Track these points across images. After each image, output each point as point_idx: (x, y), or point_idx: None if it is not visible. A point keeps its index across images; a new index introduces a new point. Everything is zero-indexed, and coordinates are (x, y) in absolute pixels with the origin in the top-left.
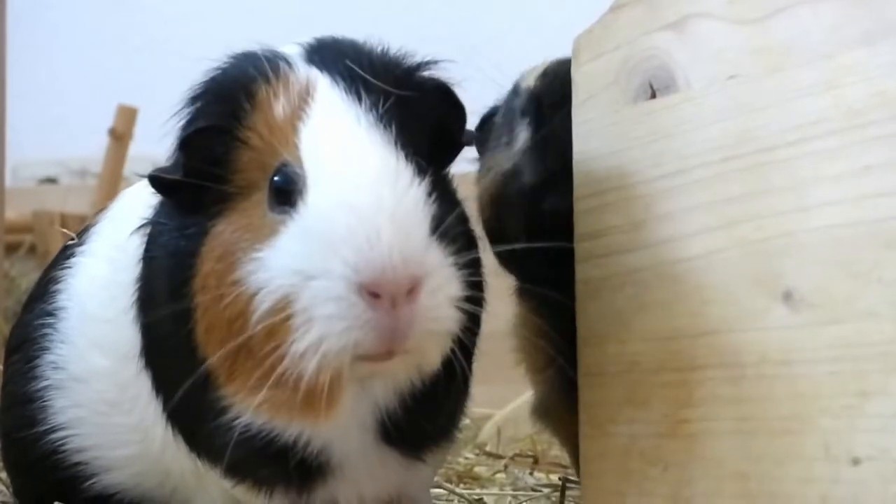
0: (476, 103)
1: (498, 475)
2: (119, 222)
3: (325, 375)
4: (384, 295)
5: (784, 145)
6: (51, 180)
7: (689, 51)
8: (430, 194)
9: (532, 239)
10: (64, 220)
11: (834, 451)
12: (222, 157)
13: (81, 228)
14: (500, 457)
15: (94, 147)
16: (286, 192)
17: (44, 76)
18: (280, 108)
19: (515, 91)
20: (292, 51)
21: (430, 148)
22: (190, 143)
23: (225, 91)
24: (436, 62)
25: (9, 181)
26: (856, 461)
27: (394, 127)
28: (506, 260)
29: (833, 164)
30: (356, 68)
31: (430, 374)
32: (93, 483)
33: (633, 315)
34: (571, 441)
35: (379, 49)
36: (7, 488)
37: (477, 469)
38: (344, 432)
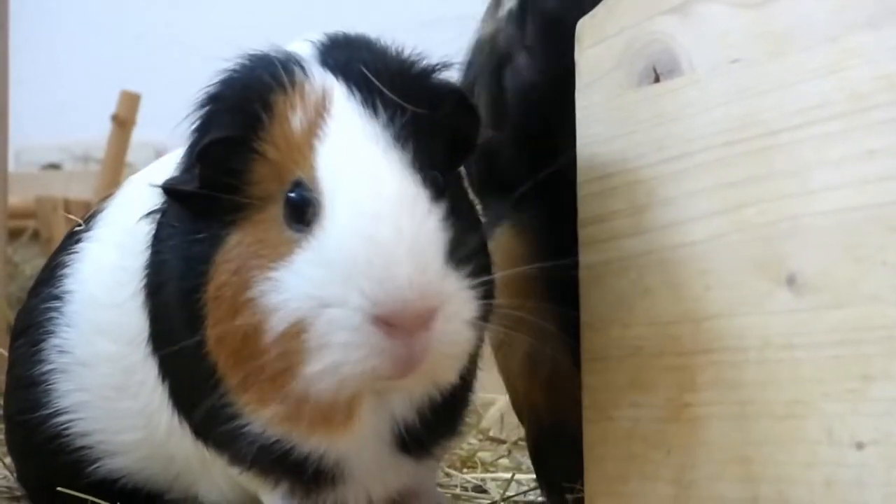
0: None
1: (501, 460)
2: (127, 208)
3: (342, 396)
4: (400, 326)
5: (788, 129)
6: (54, 166)
7: (693, 35)
8: (448, 215)
9: (496, 118)
10: (67, 206)
11: (837, 435)
12: (238, 168)
13: (87, 214)
14: (503, 441)
15: (97, 133)
16: (301, 211)
17: (46, 61)
18: (297, 120)
19: None
20: (305, 52)
21: (447, 155)
22: (206, 153)
23: (241, 99)
24: (449, 65)
25: (12, 166)
26: (859, 445)
27: (411, 144)
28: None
29: (837, 147)
30: (374, 79)
31: (447, 387)
32: (97, 467)
33: (636, 299)
34: (572, 424)
35: (393, 52)
36: (11, 473)
37: (480, 454)
38: (361, 445)
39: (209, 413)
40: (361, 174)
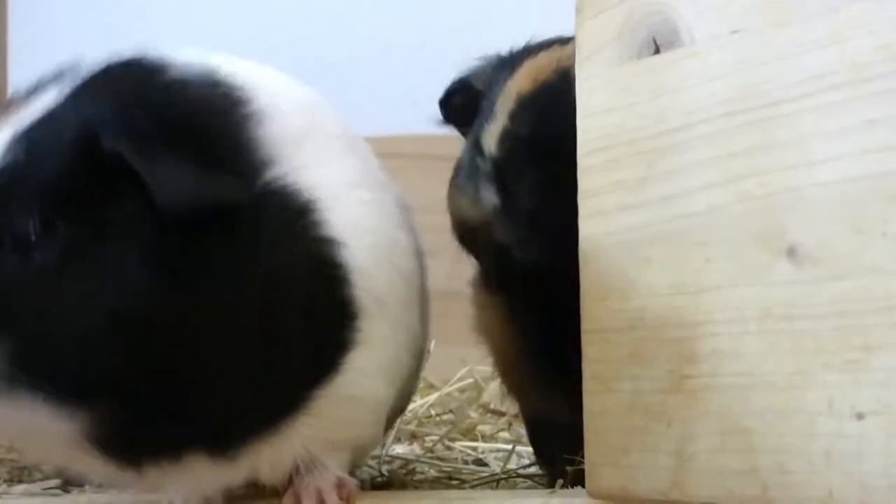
0: None
1: (501, 433)
2: None
3: None
4: None
5: (788, 100)
6: None
7: (693, 5)
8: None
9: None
10: None
11: (838, 405)
12: None
13: None
14: (503, 414)
15: None
16: None
17: (45, 42)
18: None
19: (477, 147)
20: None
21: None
22: None
23: None
24: (129, 135)
25: None
26: (860, 416)
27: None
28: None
29: (838, 118)
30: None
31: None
32: None
33: (636, 271)
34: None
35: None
36: None
37: (480, 428)
38: (52, 455)
39: None
40: None
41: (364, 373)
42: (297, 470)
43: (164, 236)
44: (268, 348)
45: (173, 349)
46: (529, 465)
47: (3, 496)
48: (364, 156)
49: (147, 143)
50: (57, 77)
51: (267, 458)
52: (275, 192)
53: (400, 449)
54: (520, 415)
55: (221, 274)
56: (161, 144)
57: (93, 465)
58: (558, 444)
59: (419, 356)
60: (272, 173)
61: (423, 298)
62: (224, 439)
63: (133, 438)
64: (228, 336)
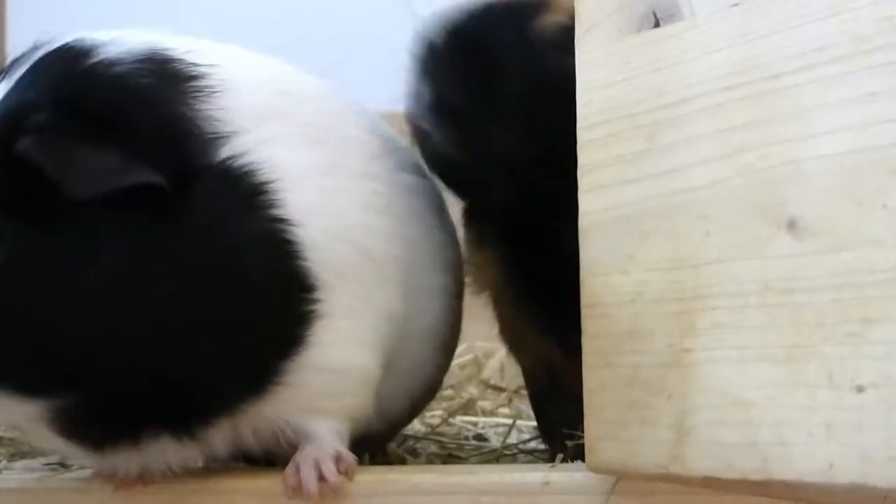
0: None
1: (501, 408)
2: None
3: None
4: None
5: (789, 72)
6: None
7: None
8: None
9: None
10: None
11: (838, 378)
12: None
13: None
14: (503, 389)
15: None
16: None
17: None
18: None
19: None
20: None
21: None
22: None
23: None
24: (40, 131)
25: None
26: (860, 388)
27: None
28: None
29: (838, 90)
30: None
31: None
32: None
33: (635, 246)
34: (539, 367)
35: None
36: None
37: (480, 403)
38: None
39: None
40: None
41: (336, 343)
42: (289, 441)
43: (105, 222)
44: (221, 325)
45: (127, 337)
46: (530, 440)
47: (4, 471)
48: (341, 144)
49: (53, 138)
50: (24, 57)
51: (248, 427)
52: (232, 168)
53: None
54: (520, 388)
55: (170, 252)
56: (70, 137)
57: (55, 443)
58: (563, 416)
59: (408, 334)
60: (231, 149)
61: (417, 278)
62: (185, 419)
63: (91, 426)
64: (180, 316)
